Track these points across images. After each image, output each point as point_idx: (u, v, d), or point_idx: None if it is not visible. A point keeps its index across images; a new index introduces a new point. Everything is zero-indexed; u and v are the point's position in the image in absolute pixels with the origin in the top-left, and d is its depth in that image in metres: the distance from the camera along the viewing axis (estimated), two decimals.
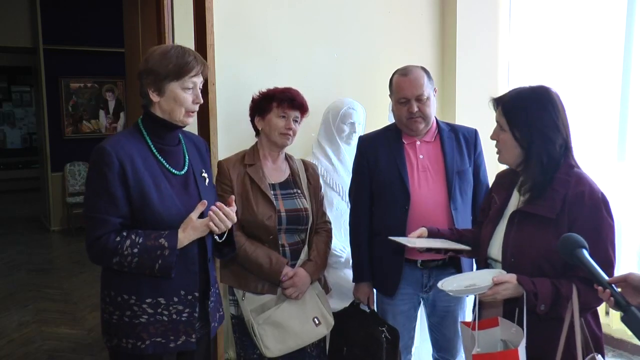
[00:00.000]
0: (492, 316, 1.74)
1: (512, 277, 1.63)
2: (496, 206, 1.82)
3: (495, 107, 1.76)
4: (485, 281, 1.64)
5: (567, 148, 1.68)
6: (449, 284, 1.72)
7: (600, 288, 1.36)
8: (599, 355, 1.62)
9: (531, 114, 1.66)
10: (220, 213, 1.67)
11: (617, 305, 1.32)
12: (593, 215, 1.60)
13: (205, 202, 1.69)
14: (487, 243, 1.80)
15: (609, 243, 1.60)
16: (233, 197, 1.79)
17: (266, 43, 3.07)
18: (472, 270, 2.23)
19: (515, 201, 1.77)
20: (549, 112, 1.66)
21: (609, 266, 1.58)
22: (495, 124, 1.77)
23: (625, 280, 1.40)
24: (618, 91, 3.20)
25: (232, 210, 1.71)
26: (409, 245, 1.89)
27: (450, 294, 1.69)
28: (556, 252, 1.58)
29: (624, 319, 1.29)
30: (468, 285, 1.67)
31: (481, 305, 1.81)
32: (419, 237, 1.93)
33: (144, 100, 1.74)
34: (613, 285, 1.35)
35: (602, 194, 1.63)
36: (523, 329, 1.60)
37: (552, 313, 1.61)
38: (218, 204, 1.70)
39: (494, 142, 1.78)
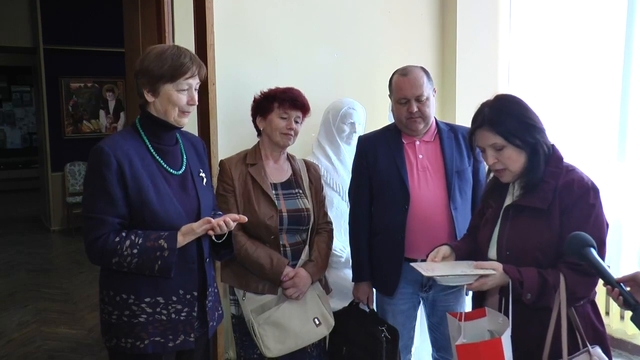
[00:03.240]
0: (490, 305, 1.76)
1: (498, 266, 1.65)
2: (492, 208, 1.83)
3: (472, 136, 1.74)
4: (472, 270, 1.67)
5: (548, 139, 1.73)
6: (435, 271, 1.74)
7: (609, 287, 1.36)
8: (597, 348, 1.63)
9: (517, 115, 1.68)
10: (224, 227, 1.68)
11: (625, 304, 1.33)
12: (581, 202, 1.62)
13: (212, 220, 1.68)
14: (486, 244, 1.81)
15: (599, 226, 1.62)
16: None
17: (266, 43, 3.08)
18: None
19: (510, 199, 1.78)
20: (525, 107, 1.71)
21: (600, 245, 1.59)
22: None
23: (633, 279, 1.41)
24: (618, 91, 3.20)
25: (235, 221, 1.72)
26: (426, 273, 1.75)
27: (437, 280, 1.72)
28: (549, 242, 1.62)
29: (633, 318, 1.29)
30: (456, 274, 1.69)
31: (482, 295, 1.82)
32: (443, 258, 1.86)
33: (141, 100, 1.74)
34: (622, 284, 1.35)
35: (592, 182, 1.65)
36: (509, 318, 1.62)
37: (539, 302, 1.62)
38: (226, 219, 1.69)
39: (492, 168, 1.75)
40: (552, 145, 1.73)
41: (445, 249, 1.88)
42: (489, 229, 1.81)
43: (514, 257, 1.68)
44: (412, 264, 1.83)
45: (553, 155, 1.70)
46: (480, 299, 1.88)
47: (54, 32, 6.97)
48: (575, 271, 1.59)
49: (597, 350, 1.62)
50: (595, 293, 1.71)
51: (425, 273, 1.73)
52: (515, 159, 1.69)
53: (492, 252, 1.77)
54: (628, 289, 1.36)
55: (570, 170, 1.68)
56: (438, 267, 1.78)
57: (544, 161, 1.68)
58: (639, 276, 1.40)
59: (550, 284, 1.60)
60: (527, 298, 1.62)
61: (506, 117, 1.68)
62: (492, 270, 1.65)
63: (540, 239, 1.65)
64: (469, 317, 1.73)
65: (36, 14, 6.93)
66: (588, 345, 1.61)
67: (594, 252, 1.38)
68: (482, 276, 1.64)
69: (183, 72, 1.68)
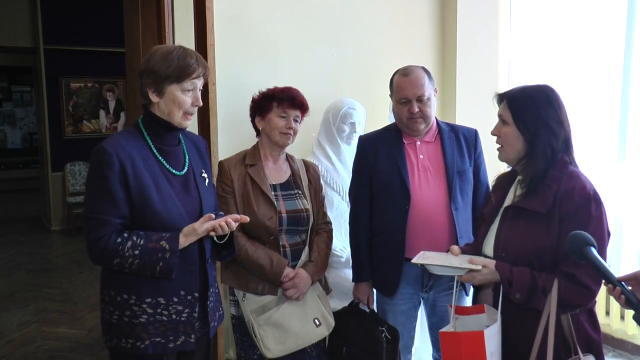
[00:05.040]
0: (484, 300, 1.77)
1: (490, 263, 1.66)
2: (492, 205, 1.83)
3: (499, 102, 1.77)
4: (464, 262, 1.68)
5: (567, 145, 1.70)
6: (426, 259, 1.76)
7: (610, 286, 1.35)
8: (589, 356, 1.61)
9: (538, 107, 1.68)
10: (226, 227, 1.68)
11: (628, 304, 1.32)
12: (581, 212, 1.60)
13: (213, 215, 1.69)
14: (481, 241, 1.81)
15: (598, 238, 1.57)
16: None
17: (267, 43, 3.07)
18: None
19: (510, 199, 1.78)
20: (554, 107, 1.69)
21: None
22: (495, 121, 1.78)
23: (635, 278, 1.40)
24: (618, 91, 3.20)
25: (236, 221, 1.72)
26: (414, 260, 1.80)
27: (430, 270, 1.75)
28: (545, 248, 1.61)
29: (635, 317, 1.29)
30: (444, 265, 1.71)
31: (479, 287, 1.83)
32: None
33: (144, 100, 1.74)
34: (623, 283, 1.34)
35: (594, 191, 1.63)
36: (497, 314, 1.63)
37: (528, 304, 1.62)
38: (227, 220, 1.69)
39: (494, 141, 1.78)
40: (566, 147, 1.69)
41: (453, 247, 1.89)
42: (486, 226, 1.81)
43: (510, 258, 1.68)
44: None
45: (560, 160, 1.68)
46: (476, 293, 1.89)
47: (54, 32, 6.96)
48: (571, 280, 1.57)
49: (590, 359, 1.61)
50: (595, 302, 1.69)
51: (414, 260, 1.77)
52: (510, 141, 1.71)
53: (489, 250, 1.77)
54: (630, 287, 1.35)
55: (574, 176, 1.65)
56: (430, 257, 1.80)
57: (543, 159, 1.66)
58: None
59: (540, 287, 1.59)
60: (516, 297, 1.62)
61: (525, 99, 1.70)
62: (481, 265, 1.66)
63: (536, 244, 1.64)
64: (468, 311, 1.76)
65: (36, 14, 6.93)
66: (580, 353, 1.59)
67: (594, 251, 1.37)
68: (471, 270, 1.66)
69: (189, 72, 1.68)
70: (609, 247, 1.67)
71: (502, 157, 1.78)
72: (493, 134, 1.77)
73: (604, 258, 1.60)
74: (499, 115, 1.75)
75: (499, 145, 1.76)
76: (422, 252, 1.85)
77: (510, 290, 1.62)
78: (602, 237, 1.60)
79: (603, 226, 1.61)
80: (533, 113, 1.67)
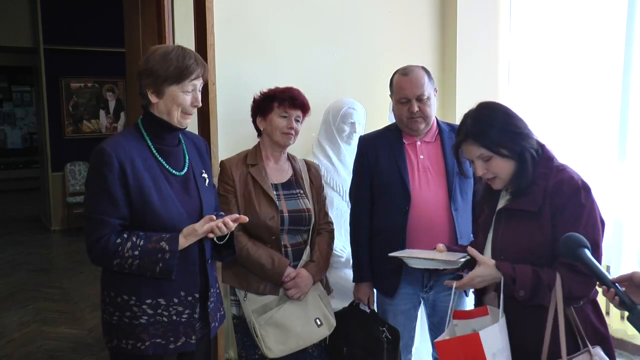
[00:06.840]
0: (488, 302, 1.76)
1: (490, 261, 1.65)
2: (485, 214, 1.83)
3: (459, 147, 1.75)
4: (440, 256, 1.68)
5: (531, 135, 1.71)
6: (404, 253, 1.76)
7: (604, 287, 1.35)
8: (597, 348, 1.61)
9: (505, 126, 1.67)
10: (224, 228, 1.67)
11: (622, 305, 1.31)
12: (572, 202, 1.60)
13: (214, 217, 1.69)
14: (481, 250, 1.80)
15: (591, 227, 1.59)
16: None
17: (267, 43, 3.07)
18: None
19: (502, 204, 1.77)
20: (511, 115, 1.70)
21: (595, 246, 1.56)
22: None
23: (630, 279, 1.40)
24: (618, 91, 3.20)
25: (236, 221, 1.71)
26: (401, 254, 1.84)
27: (408, 263, 1.76)
28: (541, 245, 1.61)
29: (630, 319, 1.28)
30: (422, 257, 1.72)
31: (482, 291, 1.83)
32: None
33: (143, 101, 1.74)
34: (617, 284, 1.34)
35: (582, 181, 1.63)
36: (499, 314, 1.62)
37: (533, 301, 1.61)
38: (226, 221, 1.68)
39: (484, 176, 1.74)
40: (542, 146, 1.71)
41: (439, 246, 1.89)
42: (483, 235, 1.81)
43: (508, 260, 1.67)
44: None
45: (543, 156, 1.68)
46: (480, 296, 1.88)
47: (54, 32, 6.97)
48: (572, 271, 1.57)
49: (598, 351, 1.60)
50: (597, 292, 1.69)
51: (392, 253, 1.78)
52: (504, 167, 1.68)
53: (488, 256, 1.77)
54: (623, 289, 1.35)
55: (561, 170, 1.66)
56: (414, 253, 1.80)
57: (532, 165, 1.66)
58: (636, 276, 1.40)
59: (545, 282, 1.59)
60: (520, 295, 1.61)
61: (489, 128, 1.67)
62: (463, 260, 1.66)
63: (532, 242, 1.64)
64: (470, 315, 1.74)
65: (36, 14, 6.93)
66: (589, 345, 1.59)
67: (588, 252, 1.37)
68: (461, 269, 1.65)
69: (188, 73, 1.68)
70: (609, 247, 1.66)
71: (498, 186, 1.74)
72: (481, 175, 1.72)
73: (600, 247, 1.61)
74: (478, 157, 1.70)
75: (490, 178, 1.72)
76: (406, 250, 1.84)
77: (514, 288, 1.61)
78: (595, 224, 1.60)
79: (595, 214, 1.61)
80: (506, 134, 1.66)
